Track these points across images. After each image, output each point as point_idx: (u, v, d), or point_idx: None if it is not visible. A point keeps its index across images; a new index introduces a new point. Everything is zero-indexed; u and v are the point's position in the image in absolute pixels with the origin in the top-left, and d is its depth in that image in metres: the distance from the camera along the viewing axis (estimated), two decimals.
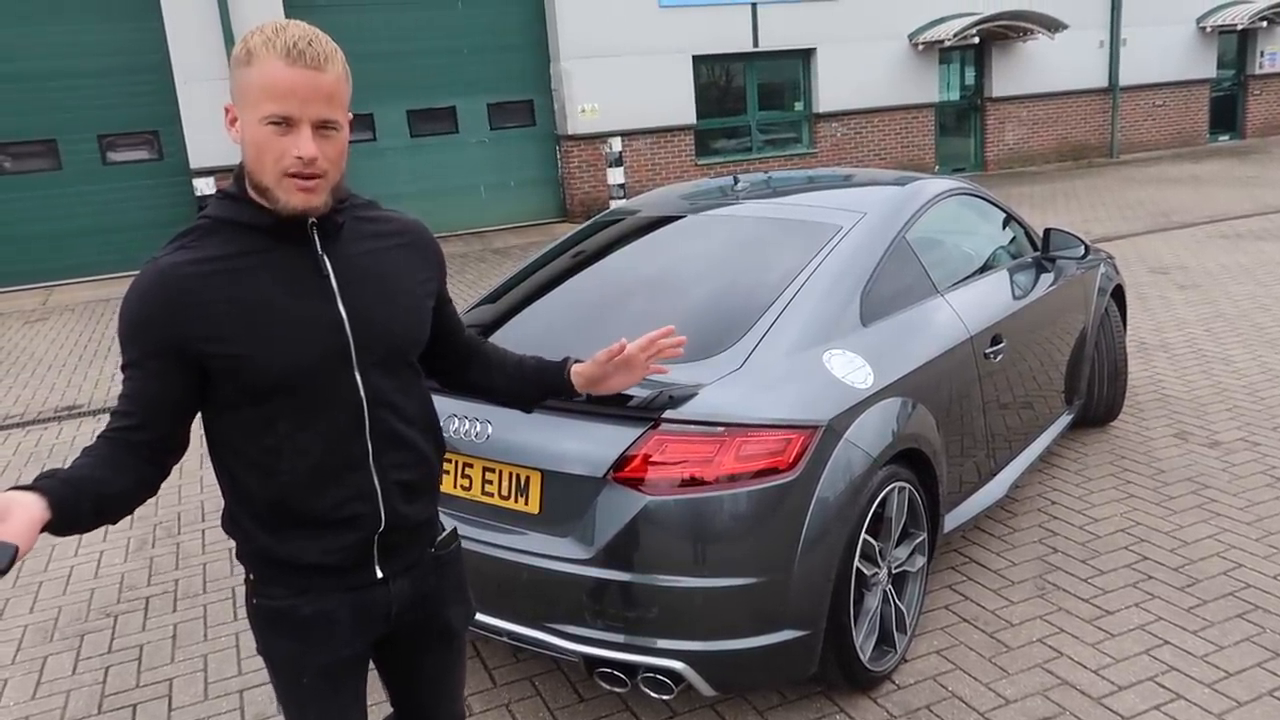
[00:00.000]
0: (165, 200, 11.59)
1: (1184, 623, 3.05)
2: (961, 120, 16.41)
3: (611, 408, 2.52)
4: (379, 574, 1.62)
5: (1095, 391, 4.54)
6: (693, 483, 2.42)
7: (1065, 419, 4.22)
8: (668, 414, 2.48)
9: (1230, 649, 2.90)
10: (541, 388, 1.88)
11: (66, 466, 1.41)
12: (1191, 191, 12.74)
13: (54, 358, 7.84)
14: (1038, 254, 4.15)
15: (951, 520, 3.26)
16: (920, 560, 3.00)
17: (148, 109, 11.41)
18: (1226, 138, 18.82)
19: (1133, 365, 5.69)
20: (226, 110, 1.48)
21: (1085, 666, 2.86)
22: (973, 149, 16.48)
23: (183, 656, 3.29)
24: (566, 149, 13.29)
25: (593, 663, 2.51)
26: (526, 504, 2.61)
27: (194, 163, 11.30)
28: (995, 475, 3.57)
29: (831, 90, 14.67)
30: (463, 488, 2.74)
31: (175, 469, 5.19)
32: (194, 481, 4.88)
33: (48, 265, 11.32)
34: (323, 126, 1.44)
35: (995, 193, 14.00)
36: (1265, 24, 17.62)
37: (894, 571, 2.90)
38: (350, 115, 1.51)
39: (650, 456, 2.44)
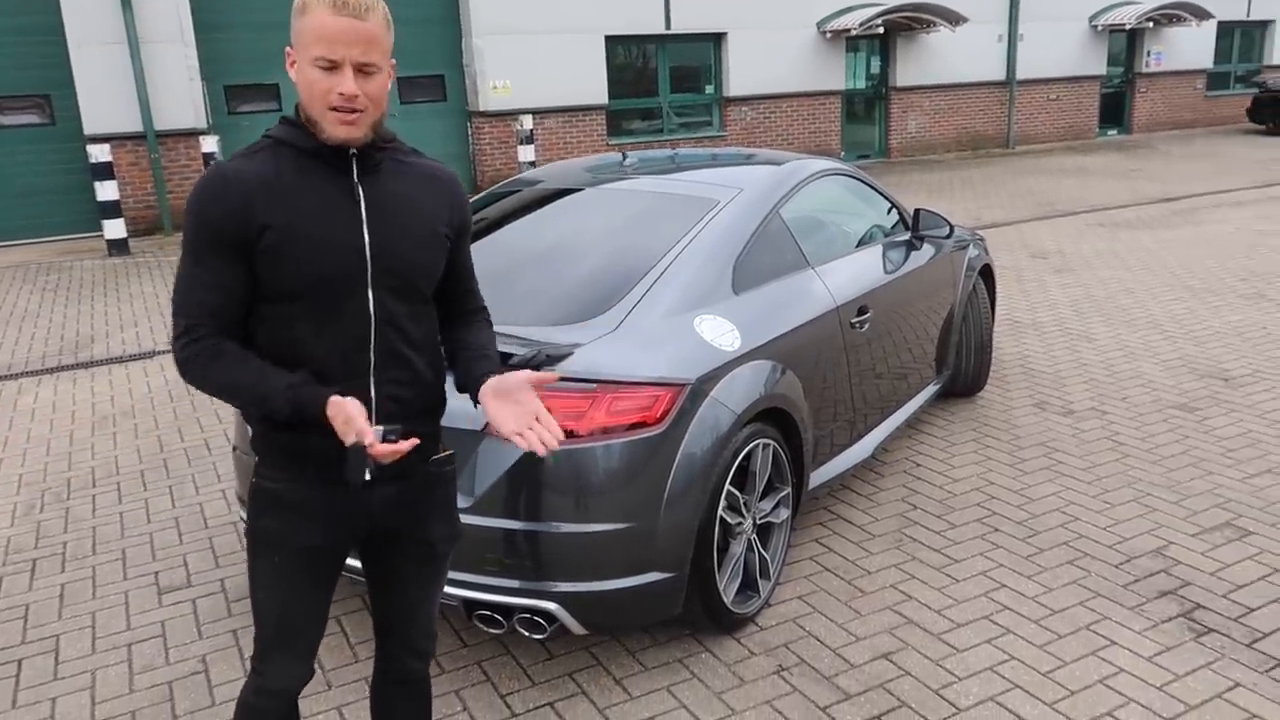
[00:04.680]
0: (57, 166, 11.18)
1: (1021, 569, 3.35)
2: (868, 108, 16.88)
3: None
4: (368, 476, 1.79)
5: (962, 364, 4.86)
6: (567, 435, 2.59)
7: (932, 388, 4.52)
8: (544, 371, 2.63)
9: (1058, 590, 3.20)
10: (465, 382, 1.93)
11: (271, 369, 1.70)
12: (1078, 182, 13.41)
13: None
14: (910, 233, 4.42)
15: (817, 478, 3.49)
16: (785, 513, 3.23)
17: (39, 72, 10.97)
18: (1114, 132, 19.77)
19: (1004, 342, 6.07)
20: (287, 54, 1.71)
21: (930, 607, 3.13)
22: (878, 136, 16.98)
23: (70, 614, 3.32)
24: (478, 125, 13.27)
25: (472, 606, 2.66)
26: None
27: (88, 129, 10.93)
28: (862, 438, 3.83)
29: (742, 75, 14.93)
30: None
31: (66, 436, 5.05)
32: (85, 449, 4.84)
33: None
34: (363, 68, 1.66)
35: (897, 180, 14.42)
36: (1152, 24, 18.54)
37: (759, 522, 3.12)
38: (393, 61, 1.75)
39: None
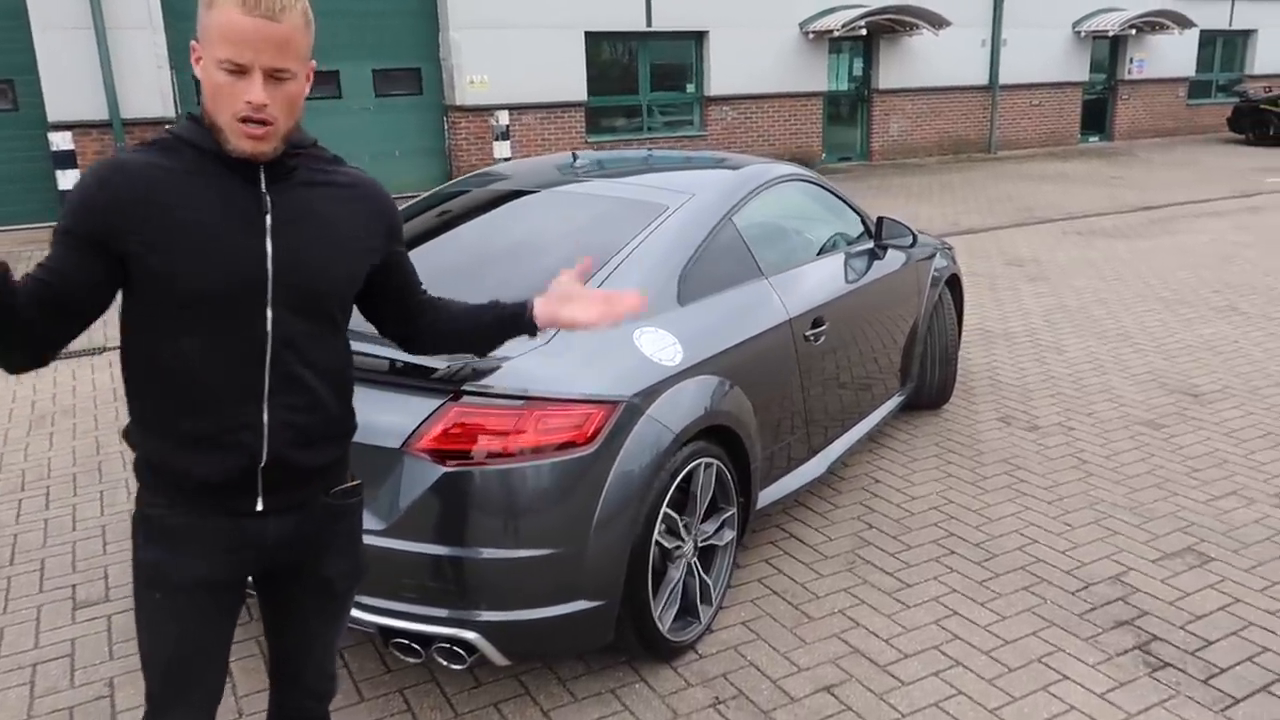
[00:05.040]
0: (18, 154, 10.92)
1: (975, 595, 3.22)
2: (851, 110, 16.77)
3: (413, 379, 2.52)
4: (259, 506, 1.66)
5: (926, 377, 4.73)
6: (491, 455, 2.44)
7: (895, 401, 4.39)
8: (468, 386, 2.49)
9: (1011, 619, 3.08)
10: (502, 330, 1.89)
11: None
12: (1058, 189, 13.35)
13: None
14: (873, 242, 4.28)
15: (767, 496, 3.35)
16: (729, 534, 3.09)
17: (1, 56, 10.72)
18: (1096, 139, 19.75)
19: (973, 352, 5.96)
20: (193, 48, 1.55)
21: (878, 636, 3.00)
22: (859, 139, 16.88)
23: None
24: (454, 120, 13.07)
25: (388, 634, 2.51)
26: None
27: (52, 116, 10.67)
28: (816, 454, 3.69)
29: (723, 74, 14.79)
30: None
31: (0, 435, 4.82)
32: (18, 449, 4.66)
33: None
34: (275, 74, 1.49)
35: (878, 183, 14.30)
36: (1134, 32, 18.53)
37: (700, 545, 2.98)
38: (311, 65, 1.57)
39: (449, 429, 2.45)
